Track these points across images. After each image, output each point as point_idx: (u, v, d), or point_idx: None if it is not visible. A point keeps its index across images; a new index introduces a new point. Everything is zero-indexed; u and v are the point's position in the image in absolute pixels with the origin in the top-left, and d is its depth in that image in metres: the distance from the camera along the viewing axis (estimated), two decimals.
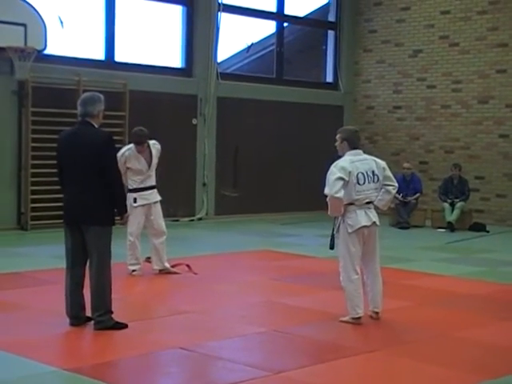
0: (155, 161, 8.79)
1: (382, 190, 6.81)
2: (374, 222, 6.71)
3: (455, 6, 15.44)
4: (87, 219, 6.20)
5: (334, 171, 6.55)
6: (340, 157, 6.80)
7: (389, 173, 6.88)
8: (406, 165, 14.72)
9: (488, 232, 13.73)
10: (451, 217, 13.93)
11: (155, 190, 8.83)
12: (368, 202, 6.69)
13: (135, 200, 8.58)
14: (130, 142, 9.06)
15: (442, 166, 15.43)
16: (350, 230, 6.61)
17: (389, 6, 16.38)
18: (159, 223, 8.82)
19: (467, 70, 15.29)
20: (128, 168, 8.58)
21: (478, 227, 13.93)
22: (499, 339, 6.44)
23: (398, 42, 16.24)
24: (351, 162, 6.63)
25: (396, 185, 6.95)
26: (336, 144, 6.85)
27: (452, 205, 14.07)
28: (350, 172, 6.55)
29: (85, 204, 6.20)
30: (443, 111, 15.68)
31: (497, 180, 14.95)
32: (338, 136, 6.84)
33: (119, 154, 8.52)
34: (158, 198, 8.85)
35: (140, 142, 8.63)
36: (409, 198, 14.29)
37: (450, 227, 13.80)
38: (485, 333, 6.61)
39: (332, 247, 6.83)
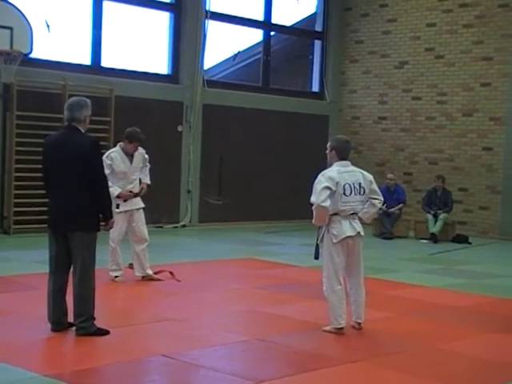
0: (138, 164, 8.74)
1: (368, 202, 6.82)
2: (359, 233, 6.72)
3: (441, 18, 15.55)
4: (72, 225, 6.16)
5: (322, 180, 6.56)
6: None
7: (375, 186, 6.89)
8: (389, 175, 14.78)
9: (470, 244, 13.80)
10: (434, 228, 13.99)
11: (138, 197, 8.79)
12: (353, 213, 6.71)
13: (118, 206, 8.52)
14: (115, 144, 9.02)
15: (426, 178, 15.50)
16: (334, 240, 6.61)
17: (375, 17, 16.47)
18: (142, 230, 8.78)
19: (452, 82, 15.40)
20: (112, 171, 8.49)
21: (461, 239, 14.00)
22: (481, 351, 6.45)
23: (384, 53, 16.33)
24: (339, 173, 6.64)
25: (381, 199, 6.96)
26: (327, 152, 6.87)
27: (435, 216, 14.14)
28: (337, 182, 6.56)
29: (70, 209, 6.16)
30: (428, 123, 15.76)
31: (480, 192, 15.04)
32: (328, 144, 6.86)
33: (105, 155, 8.51)
34: (141, 204, 8.81)
35: (133, 140, 8.56)
36: (392, 209, 14.34)
37: (433, 238, 13.86)
38: (467, 345, 6.63)
39: (317, 257, 6.83)
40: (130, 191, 8.66)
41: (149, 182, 8.93)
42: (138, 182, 8.81)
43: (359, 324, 6.85)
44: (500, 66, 14.80)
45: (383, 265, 10.79)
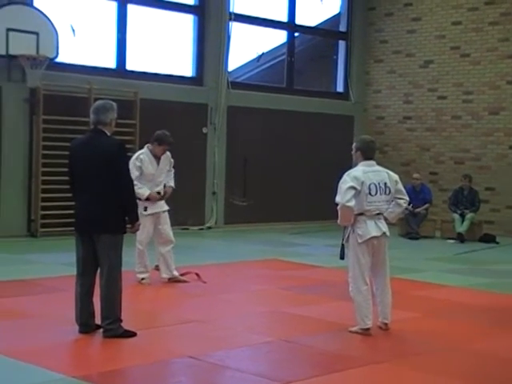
0: (165, 167, 8.80)
1: (393, 202, 6.80)
2: (384, 233, 6.70)
3: (467, 16, 15.43)
4: (99, 228, 6.20)
5: (347, 180, 6.55)
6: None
7: (401, 186, 6.87)
8: (415, 175, 14.71)
9: (498, 243, 13.69)
10: (461, 228, 13.90)
11: (163, 200, 8.83)
12: (378, 213, 6.68)
13: (146, 208, 8.57)
14: (141, 147, 9.07)
15: (452, 177, 15.40)
16: (359, 240, 6.60)
17: (400, 16, 16.39)
18: (167, 232, 8.81)
19: (478, 80, 15.28)
20: (140, 173, 8.56)
21: (488, 238, 13.88)
22: (509, 351, 6.39)
23: (409, 52, 16.24)
24: (364, 172, 6.62)
25: (407, 198, 6.93)
26: (352, 152, 6.87)
27: (462, 216, 14.04)
28: (362, 182, 6.55)
29: (96, 212, 6.21)
30: (454, 122, 15.65)
31: (507, 191, 14.90)
32: (353, 145, 6.85)
33: (134, 156, 8.58)
34: (166, 207, 8.86)
35: (163, 143, 8.62)
36: (418, 209, 14.27)
37: (460, 238, 13.77)
38: (494, 345, 6.57)
39: (342, 257, 6.81)
40: (158, 192, 8.71)
41: (173, 186, 8.98)
42: (163, 184, 8.85)
43: (386, 324, 6.82)
44: None
45: (409, 265, 10.74)
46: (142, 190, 8.29)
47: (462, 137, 15.53)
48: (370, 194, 6.59)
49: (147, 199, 8.56)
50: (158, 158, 8.72)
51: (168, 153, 8.85)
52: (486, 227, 14.43)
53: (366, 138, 7.03)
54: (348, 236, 6.71)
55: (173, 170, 9.03)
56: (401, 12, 16.37)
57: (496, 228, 14.65)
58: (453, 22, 15.62)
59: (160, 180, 8.78)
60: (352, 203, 6.47)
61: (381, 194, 6.66)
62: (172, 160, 8.96)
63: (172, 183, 8.96)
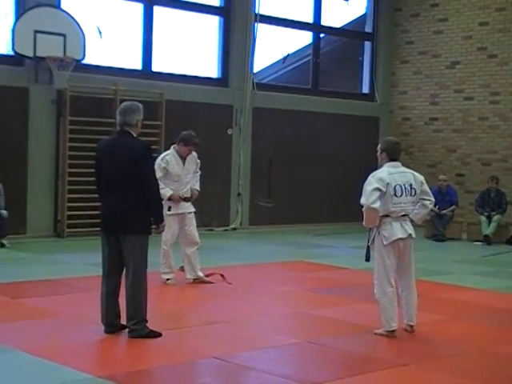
0: (191, 167, 8.82)
1: (419, 203, 6.76)
2: (410, 235, 6.67)
3: (494, 17, 15.31)
4: (125, 228, 6.23)
5: (372, 181, 6.52)
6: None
7: (426, 187, 6.83)
8: (441, 177, 14.61)
9: None
10: (488, 230, 13.78)
11: (189, 202, 8.85)
12: (404, 215, 6.65)
13: (169, 208, 8.60)
14: (166, 148, 9.08)
15: (478, 179, 15.28)
16: (385, 242, 6.56)
17: (426, 17, 16.30)
18: (193, 233, 8.83)
19: (505, 81, 15.15)
20: (166, 173, 8.58)
21: None
22: None
23: (436, 53, 16.15)
24: (389, 174, 6.59)
25: (433, 199, 6.89)
26: (377, 154, 6.84)
27: (489, 218, 13.92)
28: (387, 183, 6.52)
29: (122, 213, 6.23)
30: (480, 123, 15.54)
31: None
32: (378, 146, 6.83)
33: (160, 157, 8.61)
34: (193, 209, 8.86)
35: (189, 143, 8.65)
36: (444, 211, 14.18)
37: (487, 240, 13.65)
38: None
39: (368, 259, 6.78)
40: (185, 198, 8.71)
41: (198, 189, 8.97)
42: (189, 186, 8.86)
43: (411, 327, 6.78)
44: None
45: (435, 267, 10.67)
46: (163, 191, 8.29)
47: (489, 138, 15.41)
48: (395, 195, 6.55)
49: (169, 199, 8.58)
50: (183, 159, 8.74)
51: (194, 153, 8.86)
52: None
53: (392, 140, 7.00)
54: (373, 238, 6.68)
55: (199, 172, 9.03)
56: (427, 13, 16.29)
57: None
58: (480, 23, 15.50)
59: (186, 181, 8.79)
60: (377, 205, 6.44)
61: (406, 195, 6.62)
62: (198, 161, 8.97)
63: (197, 186, 8.96)
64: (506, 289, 9.24)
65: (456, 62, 15.86)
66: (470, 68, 15.66)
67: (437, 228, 14.10)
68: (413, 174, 6.78)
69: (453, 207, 14.37)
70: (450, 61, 15.94)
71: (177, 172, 8.67)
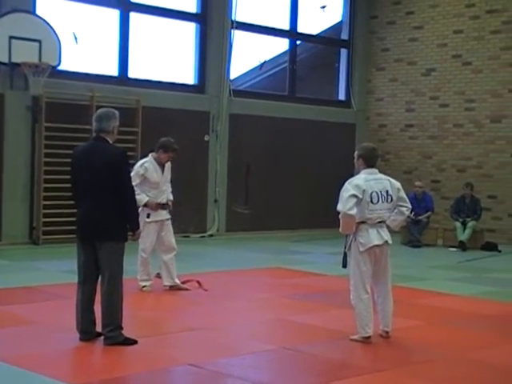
0: (168, 175, 8.82)
1: (395, 210, 6.79)
2: (386, 241, 6.69)
3: (468, 25, 15.46)
4: (101, 235, 6.21)
5: (348, 188, 6.54)
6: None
7: (403, 194, 6.86)
8: (417, 183, 14.71)
9: (500, 252, 13.67)
10: (463, 236, 13.89)
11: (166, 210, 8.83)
12: (380, 222, 6.68)
13: (148, 215, 8.58)
14: (143, 155, 9.06)
15: (454, 185, 15.40)
16: (361, 249, 6.59)
17: (402, 24, 16.43)
18: (170, 239, 8.81)
19: (480, 89, 15.29)
20: (144, 180, 8.55)
21: (490, 247, 13.87)
22: (510, 360, 6.38)
23: (411, 60, 16.27)
24: (366, 181, 6.62)
25: (409, 206, 6.93)
26: (355, 161, 6.87)
27: (464, 224, 14.03)
28: (364, 190, 6.54)
29: (98, 220, 6.21)
30: (456, 130, 15.67)
31: (509, 199, 14.89)
32: (355, 153, 6.85)
33: (138, 164, 8.59)
34: (169, 215, 8.85)
35: (168, 150, 8.62)
36: (420, 217, 14.26)
37: (462, 246, 13.75)
38: (496, 354, 6.55)
39: (345, 265, 6.80)
40: (158, 203, 8.69)
41: (171, 199, 8.96)
42: (166, 194, 8.83)
43: (387, 333, 6.80)
44: None
45: (411, 273, 10.73)
46: (139, 197, 8.26)
47: (464, 145, 15.54)
48: (371, 202, 6.58)
49: (145, 206, 8.55)
50: (162, 166, 8.72)
51: (169, 163, 8.85)
52: (488, 235, 14.42)
53: (368, 146, 7.02)
54: (350, 244, 6.70)
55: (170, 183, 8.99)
56: (402, 20, 16.41)
57: (498, 236, 14.63)
58: (454, 31, 15.65)
59: (164, 188, 8.77)
60: (353, 211, 6.47)
61: (383, 201, 6.65)
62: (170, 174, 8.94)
63: (171, 196, 8.95)
64: (481, 294, 9.31)
65: (431, 70, 15.99)
66: (445, 75, 15.80)
67: (413, 234, 14.18)
68: (389, 180, 6.82)
69: (428, 213, 14.47)
70: (425, 68, 16.07)
71: (155, 180, 8.64)
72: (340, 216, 6.54)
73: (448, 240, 14.30)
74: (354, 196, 6.49)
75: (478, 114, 15.34)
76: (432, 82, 15.98)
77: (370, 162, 6.77)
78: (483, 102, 15.26)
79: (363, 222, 6.60)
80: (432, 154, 16.02)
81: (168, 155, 8.68)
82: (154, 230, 8.66)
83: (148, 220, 8.53)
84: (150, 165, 8.64)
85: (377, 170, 6.81)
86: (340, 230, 6.64)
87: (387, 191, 6.70)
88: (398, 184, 6.85)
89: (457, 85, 15.62)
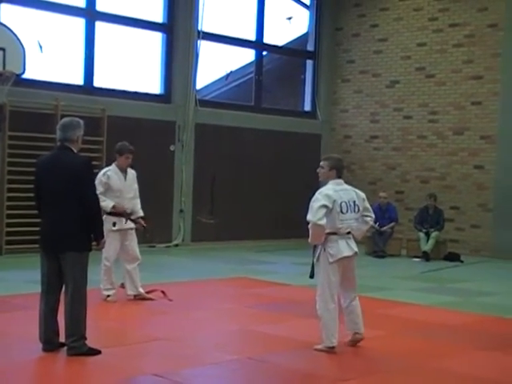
0: (132, 183, 8.79)
1: (359, 220, 6.85)
2: (356, 252, 6.77)
3: (431, 38, 15.67)
4: (64, 245, 6.16)
5: (319, 198, 6.57)
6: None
7: (367, 204, 6.94)
8: (382, 194, 14.83)
9: (462, 262, 13.83)
10: (426, 246, 14.03)
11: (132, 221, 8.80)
12: (348, 232, 6.73)
13: (114, 224, 8.54)
14: (107, 164, 9.03)
15: (417, 196, 15.55)
16: (331, 260, 6.62)
17: (366, 37, 16.59)
18: (134, 249, 8.79)
19: (443, 101, 15.49)
20: (108, 189, 8.53)
21: (453, 257, 14.03)
22: (473, 369, 6.45)
23: (376, 72, 16.43)
24: (335, 191, 6.67)
25: (373, 216, 7.02)
26: (321, 171, 6.84)
27: (427, 234, 14.18)
28: (334, 200, 6.59)
29: (62, 229, 6.16)
30: (419, 141, 15.84)
31: (471, 210, 15.08)
32: (325, 163, 6.83)
33: (101, 173, 8.57)
34: (133, 225, 8.82)
35: (123, 152, 8.63)
36: (384, 228, 14.38)
37: (425, 257, 13.89)
38: (459, 363, 6.63)
39: (312, 276, 6.82)
40: (124, 210, 8.66)
41: (142, 214, 8.92)
42: (132, 205, 8.78)
43: (360, 334, 6.81)
44: (490, 84, 14.90)
45: (376, 283, 10.79)
46: (105, 203, 8.26)
47: (428, 156, 15.72)
48: (341, 212, 6.64)
49: (112, 214, 8.51)
50: (125, 172, 8.72)
51: (133, 170, 8.83)
52: (451, 246, 14.58)
53: (338, 157, 7.08)
54: (319, 255, 6.71)
55: (138, 197, 8.94)
56: (367, 33, 16.58)
57: (460, 247, 14.80)
58: (418, 44, 15.85)
59: (129, 196, 8.73)
60: (323, 221, 6.50)
61: (351, 212, 6.72)
62: (136, 184, 8.90)
63: (141, 213, 8.91)
64: (444, 304, 9.40)
65: (395, 82, 16.16)
66: (408, 87, 15.97)
67: (377, 244, 14.28)
68: (355, 191, 6.88)
69: (392, 224, 14.59)
70: (389, 80, 16.24)
71: (118, 186, 8.63)
72: (310, 226, 6.57)
73: (412, 250, 14.43)
74: (325, 206, 6.52)
75: (441, 126, 15.53)
76: (396, 93, 16.15)
77: (340, 172, 6.85)
78: (446, 114, 15.46)
79: (333, 233, 6.63)
80: (396, 165, 16.17)
81: (125, 157, 8.68)
82: (117, 239, 8.63)
83: (114, 229, 8.49)
84: (112, 173, 8.64)
85: (343, 181, 6.86)
86: (309, 240, 6.66)
87: (354, 201, 6.76)
88: (363, 194, 6.92)
89: (420, 97, 15.81)
